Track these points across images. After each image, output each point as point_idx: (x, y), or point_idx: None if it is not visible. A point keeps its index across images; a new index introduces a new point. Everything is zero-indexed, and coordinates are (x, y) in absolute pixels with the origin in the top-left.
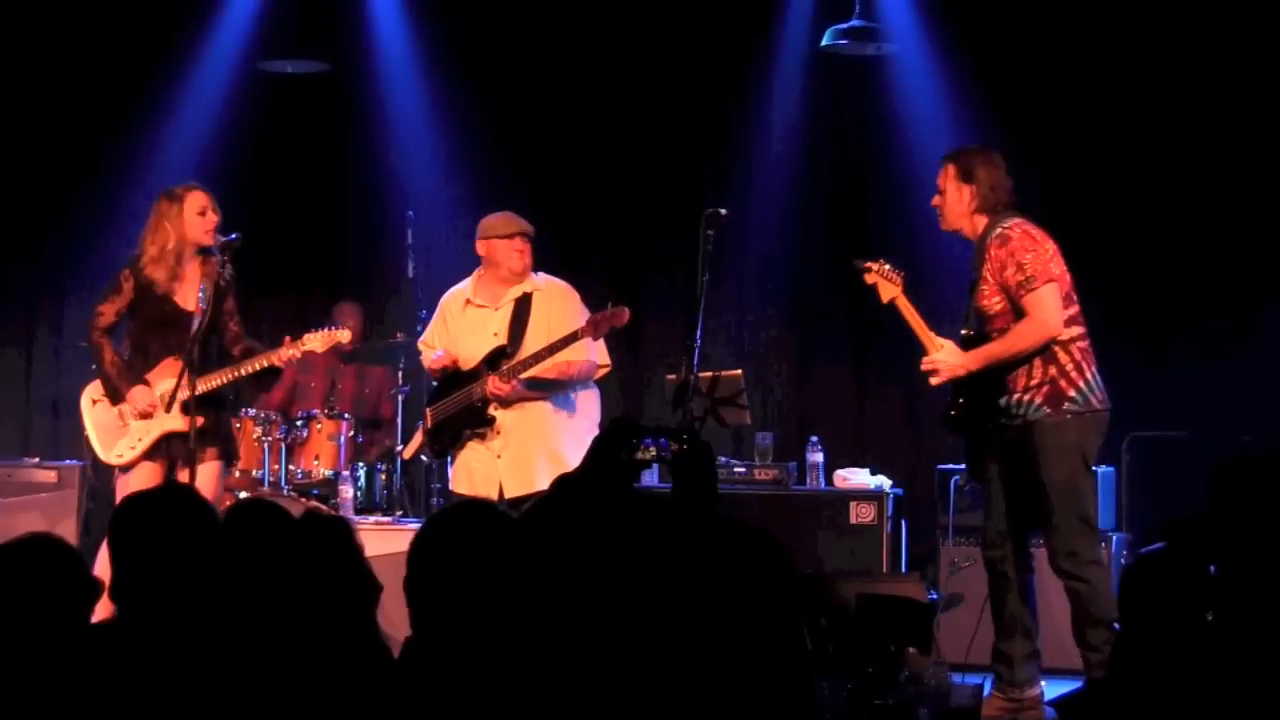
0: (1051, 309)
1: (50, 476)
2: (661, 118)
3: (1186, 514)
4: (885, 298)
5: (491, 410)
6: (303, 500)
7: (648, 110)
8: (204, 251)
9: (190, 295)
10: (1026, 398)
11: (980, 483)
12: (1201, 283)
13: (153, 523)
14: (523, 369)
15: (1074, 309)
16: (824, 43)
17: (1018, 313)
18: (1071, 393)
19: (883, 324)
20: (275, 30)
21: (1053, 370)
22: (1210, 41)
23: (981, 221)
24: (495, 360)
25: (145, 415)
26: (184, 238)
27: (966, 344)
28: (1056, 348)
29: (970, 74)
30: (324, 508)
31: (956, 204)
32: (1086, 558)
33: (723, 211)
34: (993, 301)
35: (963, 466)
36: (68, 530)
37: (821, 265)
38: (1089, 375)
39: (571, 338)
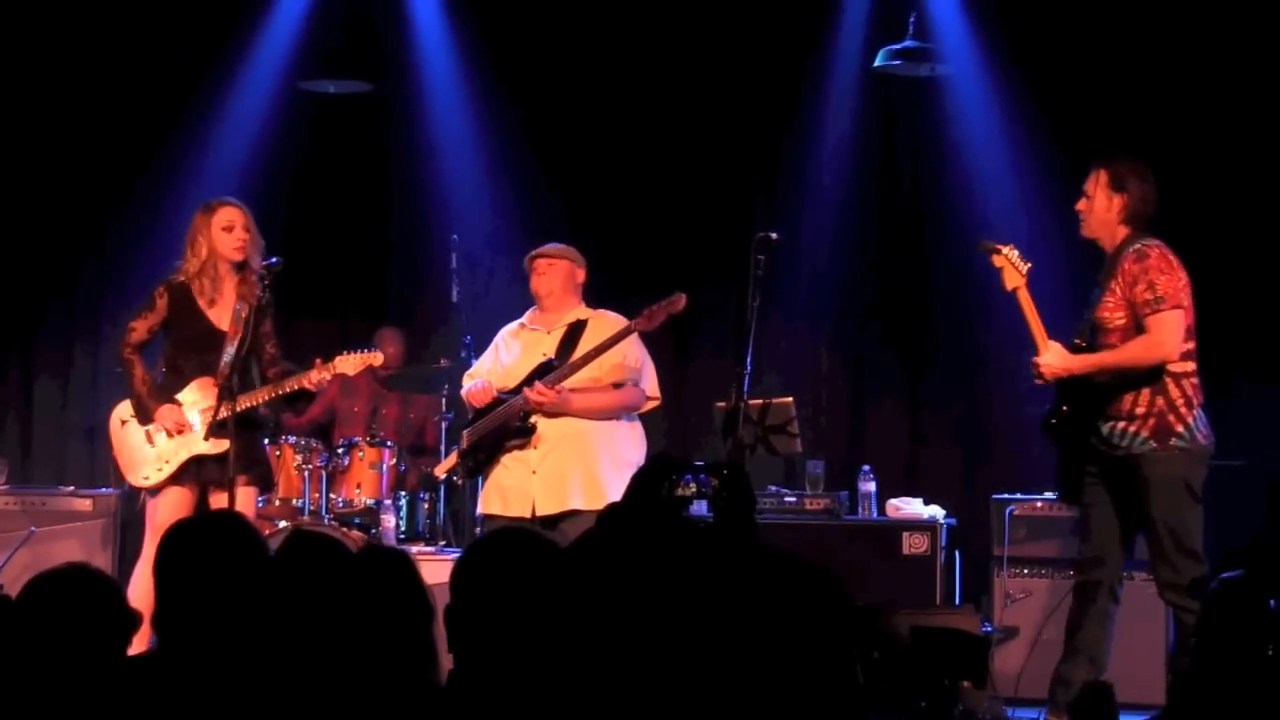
0: (1173, 334)
1: (86, 505)
2: (711, 140)
3: (1249, 544)
4: (1009, 285)
5: (533, 420)
6: (343, 530)
7: (697, 133)
8: (241, 269)
9: (225, 314)
10: (1132, 428)
11: (1073, 505)
12: (1263, 308)
13: (201, 551)
14: (570, 372)
15: (1191, 344)
16: (876, 63)
17: (1139, 330)
18: (1180, 428)
19: (937, 349)
20: (317, 49)
21: (1161, 402)
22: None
23: (1122, 233)
24: (541, 375)
25: (179, 431)
26: (216, 251)
27: (1077, 353)
28: (1169, 379)
29: (1026, 96)
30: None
31: (1104, 212)
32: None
33: (773, 236)
34: (1114, 315)
35: (1018, 496)
36: (104, 560)
37: (874, 291)
38: (1197, 411)
39: (625, 332)
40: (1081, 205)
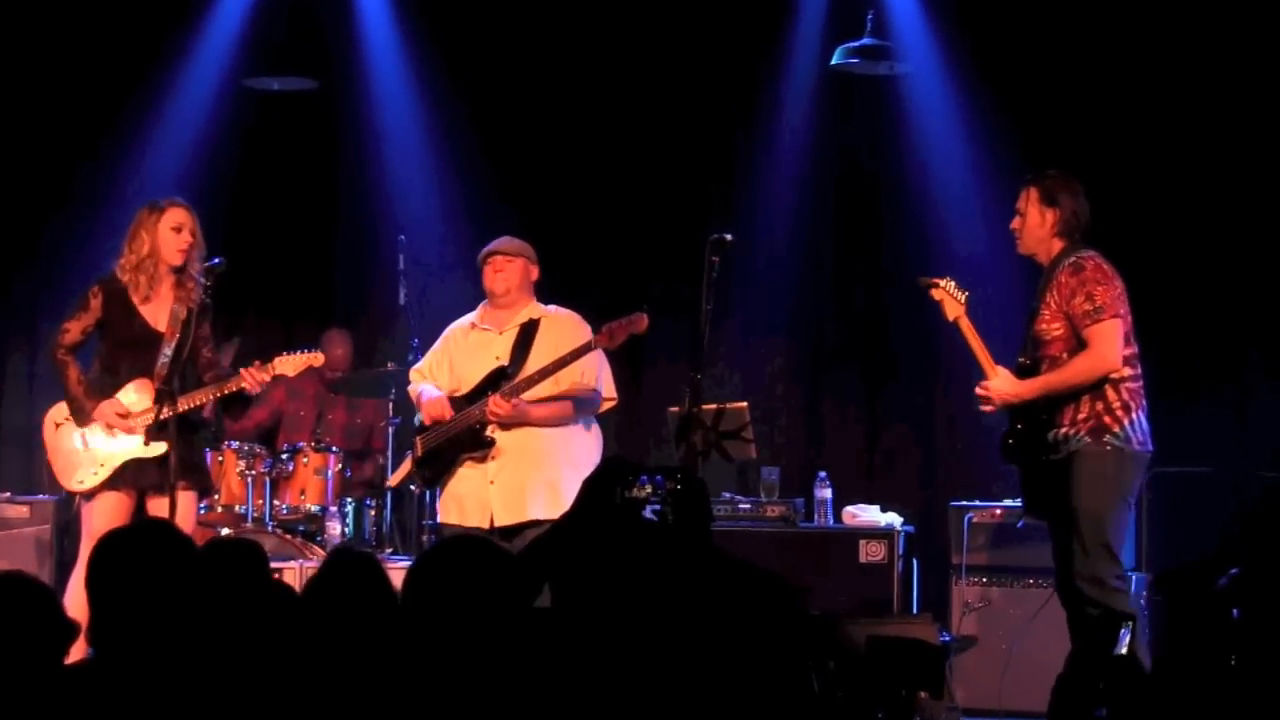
0: (1113, 344)
1: (22, 512)
2: (665, 138)
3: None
4: (950, 315)
5: (490, 432)
6: (288, 537)
7: (650, 132)
8: (179, 272)
9: (162, 315)
10: (1072, 431)
11: (1041, 519)
12: (1227, 315)
13: (133, 560)
14: (526, 386)
15: (1131, 350)
16: (834, 61)
17: (1078, 342)
18: (1115, 428)
19: (894, 355)
20: (261, 45)
21: (1099, 406)
22: (1230, 63)
23: (1057, 246)
24: (495, 382)
25: (119, 428)
26: (158, 251)
27: (1023, 372)
28: (1107, 385)
29: (984, 95)
30: (311, 548)
31: (1037, 228)
32: (1112, 586)
33: (728, 237)
34: (1052, 327)
35: (976, 503)
36: (42, 568)
37: (831, 293)
38: (1134, 415)
39: (585, 348)
40: (1015, 223)
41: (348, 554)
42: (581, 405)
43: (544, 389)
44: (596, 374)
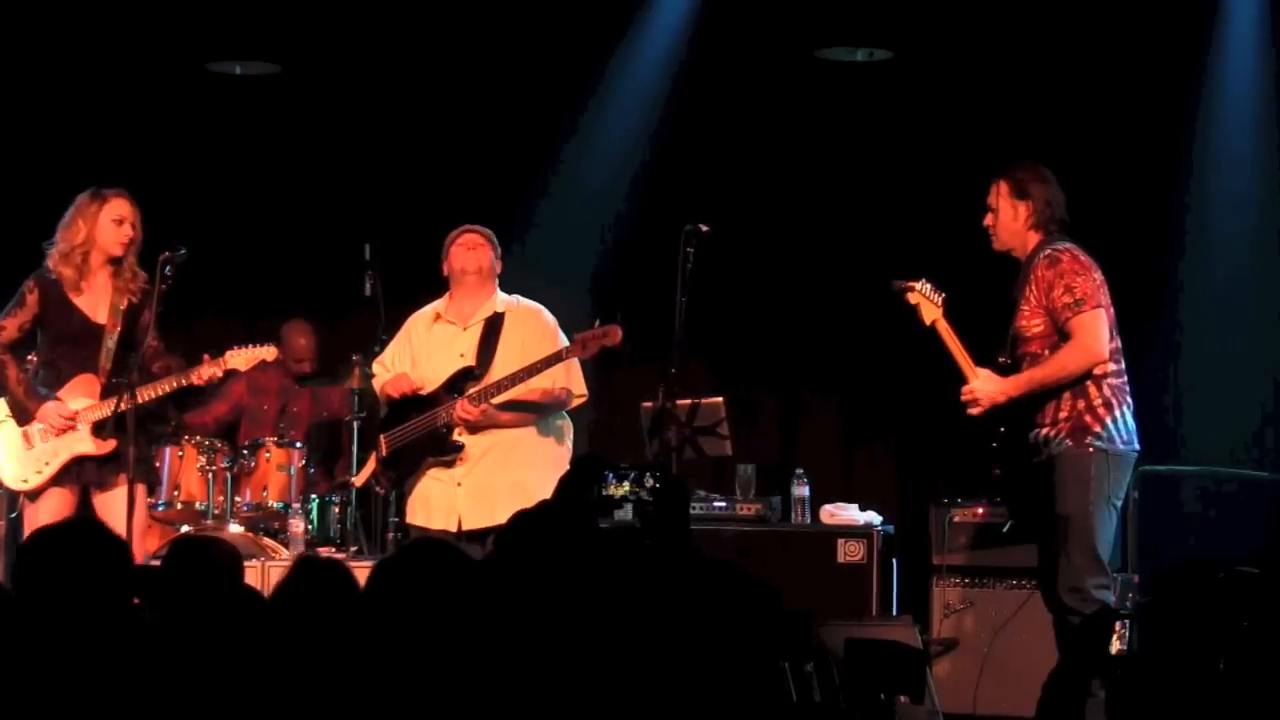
0: (1097, 335)
1: None
2: (642, 123)
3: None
4: (927, 320)
5: (457, 435)
6: (250, 535)
7: (621, 115)
8: (117, 263)
9: (100, 307)
10: (1052, 432)
11: (1025, 523)
12: (1215, 309)
13: (61, 562)
14: (496, 392)
15: (1115, 344)
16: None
17: (1060, 336)
18: (1097, 428)
19: (873, 349)
20: (223, 28)
21: (1081, 404)
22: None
23: (1034, 240)
24: (460, 382)
25: (62, 431)
26: (94, 240)
27: (1004, 372)
28: (1089, 382)
29: (969, 83)
30: (272, 545)
31: (1010, 222)
32: (1093, 596)
33: (703, 227)
34: (1031, 324)
35: (958, 501)
36: None
37: (809, 286)
38: (1117, 413)
39: (555, 358)
40: (988, 220)
41: (315, 562)
42: (552, 404)
43: (513, 391)
44: (560, 371)
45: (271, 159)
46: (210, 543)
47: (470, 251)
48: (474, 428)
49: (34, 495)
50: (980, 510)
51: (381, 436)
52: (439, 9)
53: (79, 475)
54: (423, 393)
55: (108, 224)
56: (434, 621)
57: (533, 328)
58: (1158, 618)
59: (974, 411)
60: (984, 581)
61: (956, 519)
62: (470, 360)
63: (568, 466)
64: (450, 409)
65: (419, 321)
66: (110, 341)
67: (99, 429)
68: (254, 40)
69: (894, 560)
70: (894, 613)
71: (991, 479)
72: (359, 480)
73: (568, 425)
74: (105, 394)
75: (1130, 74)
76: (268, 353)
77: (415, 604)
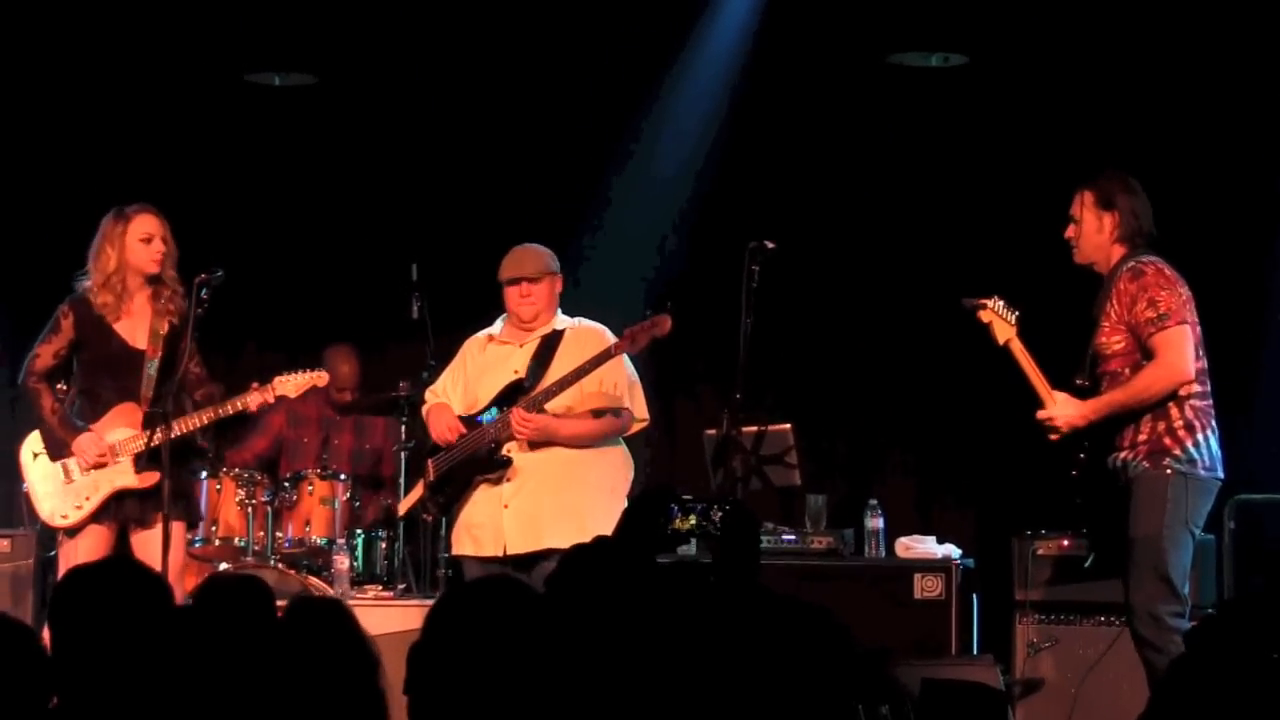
0: (1183, 352)
1: (4, 546)
2: (707, 139)
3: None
4: (1000, 339)
5: (506, 451)
6: (291, 572)
7: (682, 125)
8: (155, 282)
9: (139, 331)
10: (1130, 456)
11: (1108, 554)
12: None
13: (97, 602)
14: (546, 398)
15: (1201, 363)
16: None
17: (1143, 354)
18: (1177, 450)
19: (950, 374)
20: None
21: (1161, 426)
22: None
23: (1118, 253)
24: (509, 396)
25: (97, 466)
26: (125, 263)
27: (1082, 395)
28: (1171, 403)
29: (1049, 88)
30: (317, 583)
31: (1095, 234)
32: (1168, 625)
33: (769, 244)
34: (1112, 340)
35: (1042, 533)
36: (20, 608)
37: (880, 304)
38: (1200, 436)
39: (605, 355)
40: (1070, 231)
41: (310, 602)
42: (612, 425)
43: (568, 400)
44: (622, 386)
45: (312, 174)
46: (242, 581)
47: (524, 299)
48: (531, 444)
49: (73, 531)
50: (1065, 542)
51: (429, 461)
52: (485, 14)
53: (118, 512)
54: (470, 414)
55: (136, 244)
56: (488, 667)
57: (590, 343)
58: (1199, 646)
59: (1054, 437)
60: (1070, 618)
61: (1040, 552)
62: (522, 375)
63: (624, 496)
64: (499, 425)
65: (473, 345)
66: (151, 368)
67: (142, 461)
68: (292, 50)
69: (974, 596)
70: (974, 651)
71: (1073, 509)
72: (404, 508)
73: (626, 455)
74: (147, 423)
75: (1224, 78)
76: (319, 378)
77: (469, 651)
